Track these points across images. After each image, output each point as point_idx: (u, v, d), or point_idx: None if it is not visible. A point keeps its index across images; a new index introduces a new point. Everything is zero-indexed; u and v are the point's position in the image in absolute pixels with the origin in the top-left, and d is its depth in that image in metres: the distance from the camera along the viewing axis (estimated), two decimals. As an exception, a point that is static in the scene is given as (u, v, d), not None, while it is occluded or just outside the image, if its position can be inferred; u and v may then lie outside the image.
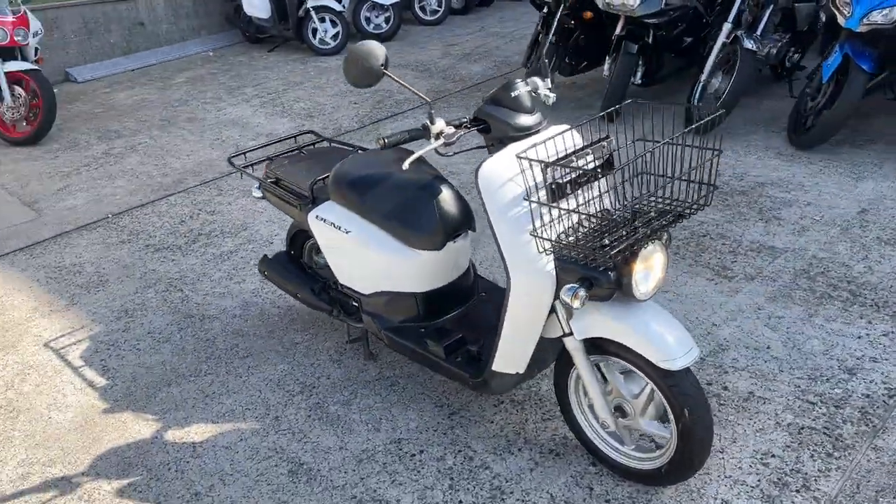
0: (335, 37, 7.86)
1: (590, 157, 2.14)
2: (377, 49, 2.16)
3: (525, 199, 2.03)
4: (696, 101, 5.02)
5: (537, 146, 2.09)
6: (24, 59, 5.93)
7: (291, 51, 8.18)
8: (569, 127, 2.18)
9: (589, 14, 5.48)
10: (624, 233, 2.00)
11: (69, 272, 3.94)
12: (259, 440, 2.66)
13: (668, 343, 2.05)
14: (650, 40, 5.22)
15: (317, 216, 2.73)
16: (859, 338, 2.97)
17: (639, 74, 5.38)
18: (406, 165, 2.12)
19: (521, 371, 2.32)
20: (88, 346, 3.28)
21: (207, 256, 3.97)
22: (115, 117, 6.46)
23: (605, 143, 2.17)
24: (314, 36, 7.84)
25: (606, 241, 1.96)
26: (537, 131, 2.20)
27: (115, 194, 4.89)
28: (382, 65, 2.15)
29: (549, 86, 2.40)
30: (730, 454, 2.46)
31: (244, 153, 3.18)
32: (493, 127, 2.17)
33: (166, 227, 4.36)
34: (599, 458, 2.41)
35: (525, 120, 2.16)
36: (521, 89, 2.18)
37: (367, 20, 8.25)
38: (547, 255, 2.06)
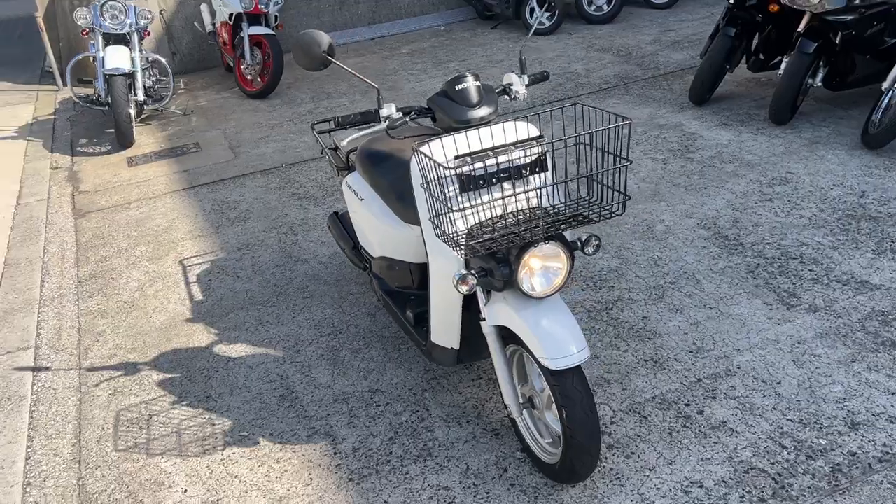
0: (551, 17, 8.02)
1: (518, 154, 2.23)
2: (320, 37, 2.41)
3: (422, 187, 2.21)
4: (877, 114, 4.47)
5: (468, 136, 2.25)
6: (267, 25, 7.00)
7: (511, 29, 8.50)
8: (511, 121, 2.29)
9: (775, 7, 5.06)
10: (520, 229, 2.09)
11: (227, 207, 4.77)
12: (275, 366, 3.15)
13: (553, 341, 2.12)
14: (836, 39, 4.70)
15: (346, 182, 3.11)
16: (893, 394, 2.64)
17: (819, 76, 4.89)
18: (345, 143, 2.41)
19: (456, 347, 2.51)
20: (206, 269, 4.02)
21: (329, 209, 4.55)
22: (332, 81, 7.35)
23: (535, 143, 2.24)
24: (531, 16, 8.07)
25: (486, 235, 2.08)
26: (485, 123, 2.33)
27: (297, 147, 5.69)
28: (325, 52, 2.41)
29: (525, 83, 2.50)
30: (658, 473, 2.42)
31: (328, 121, 3.62)
32: (437, 117, 2.36)
33: (316, 181, 5.02)
34: (524, 445, 2.52)
35: (466, 113, 2.31)
36: (469, 83, 2.32)
37: (589, 2, 8.26)
38: (442, 240, 2.20)
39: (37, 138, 6.59)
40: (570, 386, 2.15)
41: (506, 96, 2.51)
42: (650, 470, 2.44)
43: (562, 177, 2.12)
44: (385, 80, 7.13)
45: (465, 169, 2.18)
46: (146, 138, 6.25)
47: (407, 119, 2.39)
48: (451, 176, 2.18)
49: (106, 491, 2.60)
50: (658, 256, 3.63)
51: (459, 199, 2.18)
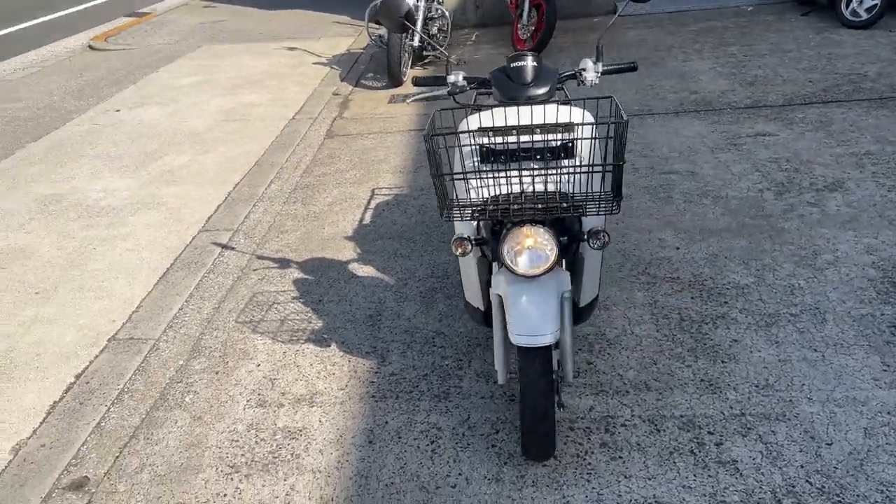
0: (870, 9, 7.03)
1: (543, 137, 2.27)
2: (401, 4, 2.62)
3: (437, 177, 2.23)
4: None
5: (507, 112, 2.36)
6: (550, -12, 7.25)
7: (823, 19, 7.61)
8: (557, 103, 2.35)
9: None
10: (512, 206, 2.19)
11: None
12: (380, 290, 3.57)
13: (525, 319, 2.21)
14: None
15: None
16: (960, 499, 2.21)
17: None
18: (408, 102, 2.65)
19: (481, 308, 2.67)
20: (386, 200, 4.55)
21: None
22: (588, 50, 7.35)
23: (563, 129, 2.27)
24: (846, 6, 7.16)
25: (466, 203, 2.20)
26: (534, 102, 2.40)
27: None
28: (402, 17, 2.63)
29: (598, 70, 2.50)
30: (630, 483, 2.38)
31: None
32: (494, 90, 2.48)
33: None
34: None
35: (516, 90, 2.39)
36: (525, 62, 2.39)
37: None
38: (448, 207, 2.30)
39: (338, 67, 7.71)
40: (530, 365, 2.23)
41: (575, 80, 2.54)
42: (625, 477, 2.40)
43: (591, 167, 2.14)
44: (652, 56, 6.97)
45: (484, 140, 2.30)
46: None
47: (467, 87, 2.56)
48: (473, 145, 2.33)
49: (211, 348, 3.27)
50: (800, 285, 3.28)
51: (465, 165, 2.27)
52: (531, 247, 2.22)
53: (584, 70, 2.54)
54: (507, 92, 2.42)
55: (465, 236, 2.34)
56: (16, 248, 4.33)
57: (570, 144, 2.27)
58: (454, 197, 2.28)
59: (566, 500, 2.34)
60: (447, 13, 7.23)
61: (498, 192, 2.26)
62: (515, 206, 2.16)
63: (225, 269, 3.89)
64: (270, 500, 2.46)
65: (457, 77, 2.58)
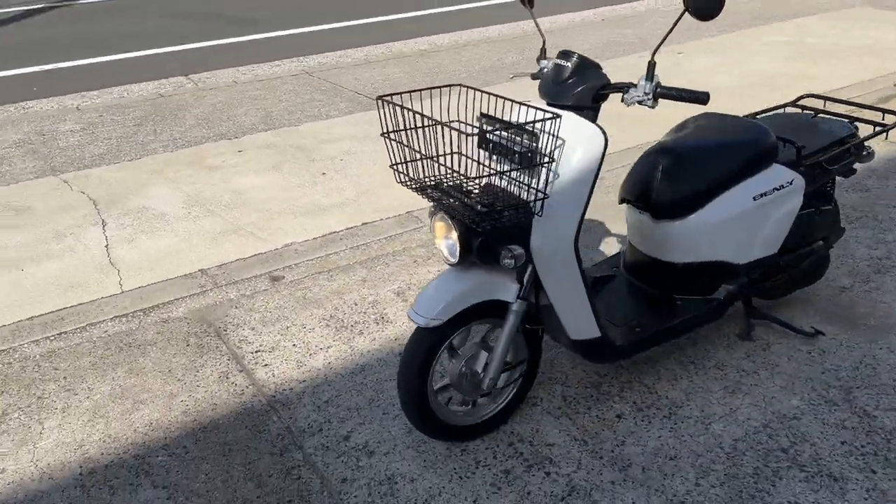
0: None
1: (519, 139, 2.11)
2: None
3: (383, 135, 2.13)
4: None
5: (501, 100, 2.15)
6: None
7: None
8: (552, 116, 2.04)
9: None
10: (434, 194, 2.12)
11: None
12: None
13: (423, 297, 2.19)
14: None
15: None
16: None
17: None
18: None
19: None
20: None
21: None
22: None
23: (528, 135, 2.08)
24: None
25: (407, 177, 2.13)
26: (558, 105, 2.21)
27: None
28: None
29: (647, 90, 2.14)
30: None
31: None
32: None
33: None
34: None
35: (546, 87, 2.26)
36: (564, 62, 2.22)
37: None
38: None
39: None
40: (410, 339, 2.24)
41: (623, 94, 2.25)
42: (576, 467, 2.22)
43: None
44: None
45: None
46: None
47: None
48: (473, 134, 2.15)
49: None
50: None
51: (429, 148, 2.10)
52: (446, 235, 2.16)
53: (632, 87, 2.20)
54: (541, 87, 2.30)
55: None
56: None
57: (530, 155, 2.08)
58: (393, 161, 2.14)
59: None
60: None
61: (434, 173, 2.14)
62: (430, 189, 2.11)
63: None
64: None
65: (546, 63, 2.39)
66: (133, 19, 9.24)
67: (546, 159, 2.04)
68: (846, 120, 2.95)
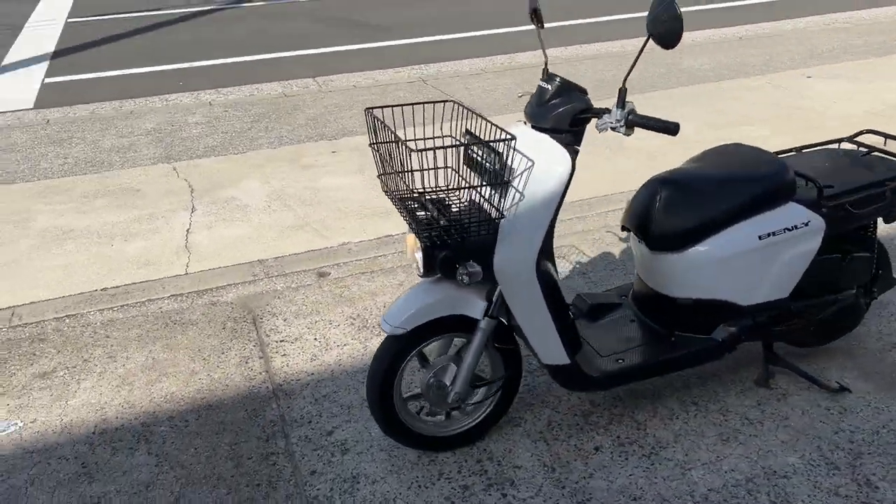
0: None
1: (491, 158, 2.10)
2: None
3: (370, 146, 2.16)
4: None
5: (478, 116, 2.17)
6: None
7: None
8: (510, 138, 2.02)
9: None
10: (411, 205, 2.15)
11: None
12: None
13: (394, 306, 2.25)
14: None
15: None
16: None
17: None
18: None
19: None
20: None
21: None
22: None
23: (496, 154, 2.07)
24: None
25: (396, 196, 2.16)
26: (534, 126, 2.22)
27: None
28: (534, 7, 2.34)
29: (618, 117, 2.11)
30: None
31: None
32: None
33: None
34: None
35: (529, 108, 2.26)
36: (547, 85, 2.21)
37: None
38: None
39: None
40: (380, 345, 2.30)
41: (597, 119, 2.18)
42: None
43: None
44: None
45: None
46: None
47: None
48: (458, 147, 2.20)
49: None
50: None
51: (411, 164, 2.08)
52: (416, 248, 2.17)
53: (607, 112, 2.15)
54: (525, 108, 2.28)
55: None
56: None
57: (494, 174, 2.07)
58: (379, 171, 2.19)
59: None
60: None
61: (415, 186, 2.12)
62: (409, 201, 2.13)
63: (342, 233, 4.09)
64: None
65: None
66: (292, 21, 9.90)
67: (504, 179, 2.04)
68: None
